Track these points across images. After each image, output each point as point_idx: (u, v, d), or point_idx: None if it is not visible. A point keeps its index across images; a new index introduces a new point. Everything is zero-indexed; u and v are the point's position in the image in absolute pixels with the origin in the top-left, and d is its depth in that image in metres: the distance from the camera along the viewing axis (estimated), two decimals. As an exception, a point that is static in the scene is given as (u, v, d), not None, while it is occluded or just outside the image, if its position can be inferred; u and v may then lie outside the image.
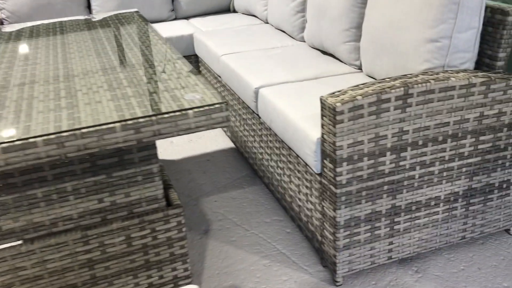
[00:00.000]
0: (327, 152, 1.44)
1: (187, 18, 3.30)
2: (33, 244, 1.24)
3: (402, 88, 1.37)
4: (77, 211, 1.27)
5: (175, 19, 3.28)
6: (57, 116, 1.11)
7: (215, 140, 2.61)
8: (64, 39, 1.84)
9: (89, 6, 3.11)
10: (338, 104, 1.33)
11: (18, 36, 1.96)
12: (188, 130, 1.11)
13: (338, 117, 1.34)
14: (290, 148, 1.73)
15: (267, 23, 2.99)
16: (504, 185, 1.64)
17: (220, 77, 2.47)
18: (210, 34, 2.74)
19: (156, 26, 3.07)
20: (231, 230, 1.89)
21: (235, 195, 2.11)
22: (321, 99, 1.40)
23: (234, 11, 3.36)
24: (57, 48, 1.72)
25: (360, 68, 2.07)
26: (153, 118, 1.08)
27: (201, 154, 2.48)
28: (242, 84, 2.07)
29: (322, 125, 1.43)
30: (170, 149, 2.56)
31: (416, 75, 1.46)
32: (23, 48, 1.76)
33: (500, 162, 1.60)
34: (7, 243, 1.23)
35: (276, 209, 1.99)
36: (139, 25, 2.02)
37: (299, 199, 1.74)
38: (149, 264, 1.38)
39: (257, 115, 2.01)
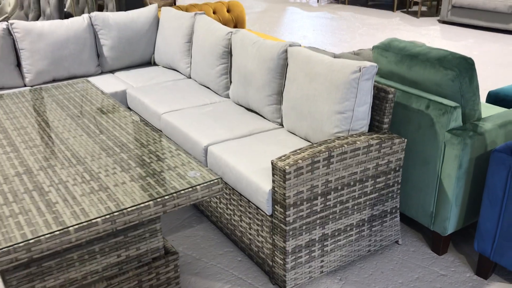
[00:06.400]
0: (278, 200, 1.97)
1: (112, 71, 3.63)
2: (70, 296, 1.58)
3: (327, 152, 1.96)
4: (101, 266, 1.64)
5: (101, 73, 3.59)
6: (99, 198, 1.49)
7: (156, 185, 3.00)
8: (42, 117, 2.15)
9: (19, 65, 3.30)
10: (287, 167, 1.87)
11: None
12: (196, 200, 1.56)
13: (287, 176, 1.88)
14: (241, 195, 2.22)
15: (190, 78, 3.45)
16: (393, 210, 2.31)
17: (161, 131, 2.88)
18: (143, 91, 3.13)
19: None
20: (193, 263, 2.33)
21: (188, 234, 2.54)
22: (272, 163, 1.93)
23: (155, 64, 3.77)
24: (44, 128, 2.03)
25: (281, 124, 2.64)
26: (174, 194, 1.52)
27: (147, 199, 2.85)
28: (190, 142, 2.52)
29: (273, 181, 1.96)
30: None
31: (333, 140, 2.06)
32: (12, 127, 2.04)
33: (390, 195, 2.26)
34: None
35: (225, 242, 2.47)
36: (102, 98, 2.38)
37: (250, 234, 2.24)
38: (153, 300, 1.78)
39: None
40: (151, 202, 1.48)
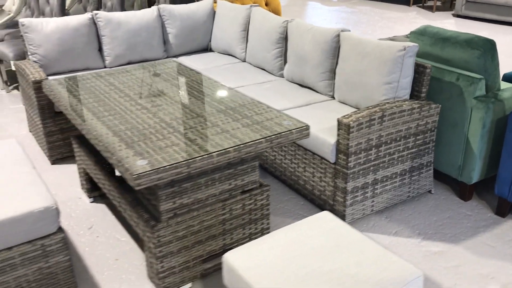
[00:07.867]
0: (342, 149, 2.51)
1: (176, 56, 4.19)
2: (198, 211, 2.14)
3: (380, 112, 2.50)
4: (218, 191, 2.19)
5: (167, 57, 4.15)
6: (225, 136, 2.05)
7: (222, 150, 3.56)
8: (151, 86, 2.71)
9: (100, 49, 3.86)
10: (351, 123, 2.42)
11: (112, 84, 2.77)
12: (292, 141, 2.11)
13: (351, 130, 2.43)
14: (305, 149, 2.77)
15: (245, 61, 4.00)
16: (428, 164, 2.86)
17: (228, 104, 3.43)
18: (207, 72, 3.69)
19: (157, 64, 3.92)
20: (265, 206, 2.88)
21: (256, 186, 3.09)
22: (338, 120, 2.48)
23: (211, 50, 4.32)
24: (158, 94, 2.60)
25: (332, 97, 3.19)
26: (277, 135, 2.07)
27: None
28: (259, 110, 3.07)
29: (338, 134, 2.51)
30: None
31: (384, 104, 2.61)
32: (132, 93, 2.61)
33: (426, 150, 2.81)
34: (185, 211, 2.12)
35: (288, 191, 3.02)
36: (193, 73, 2.94)
37: (313, 181, 2.79)
38: (251, 221, 2.33)
39: (273, 130, 3.02)
40: (263, 139, 2.03)
